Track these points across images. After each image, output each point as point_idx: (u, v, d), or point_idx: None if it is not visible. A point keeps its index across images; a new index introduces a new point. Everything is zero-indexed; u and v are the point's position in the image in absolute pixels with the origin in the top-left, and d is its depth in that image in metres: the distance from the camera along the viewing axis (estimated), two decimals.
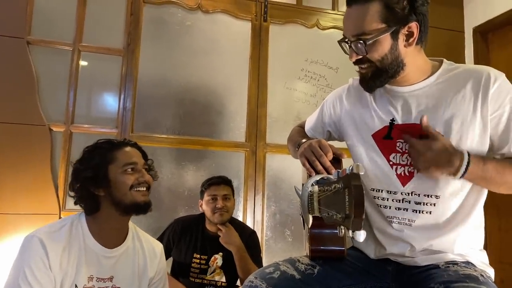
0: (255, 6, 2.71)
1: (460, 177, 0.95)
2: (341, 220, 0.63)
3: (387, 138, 1.08)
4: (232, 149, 2.58)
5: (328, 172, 1.02)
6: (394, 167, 1.06)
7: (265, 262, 2.15)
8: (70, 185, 1.26)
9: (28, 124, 2.27)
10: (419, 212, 1.03)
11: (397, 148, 1.06)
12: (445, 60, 1.09)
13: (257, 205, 2.55)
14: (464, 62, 2.89)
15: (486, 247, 1.09)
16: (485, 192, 1.06)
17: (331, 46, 2.68)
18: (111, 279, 1.25)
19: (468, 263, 1.01)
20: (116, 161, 1.24)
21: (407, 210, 1.04)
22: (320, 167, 1.03)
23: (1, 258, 2.00)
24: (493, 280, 1.01)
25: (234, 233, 1.87)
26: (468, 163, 0.94)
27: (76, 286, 1.18)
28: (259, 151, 2.59)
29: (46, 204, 2.21)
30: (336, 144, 1.14)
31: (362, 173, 0.63)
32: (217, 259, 1.88)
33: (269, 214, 2.59)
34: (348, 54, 1.07)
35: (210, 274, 1.88)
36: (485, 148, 1.02)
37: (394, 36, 1.00)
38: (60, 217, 2.17)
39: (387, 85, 1.10)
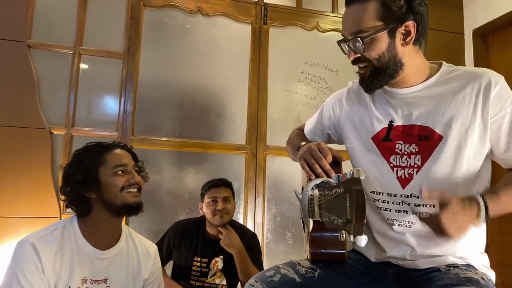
0: (255, 9, 2.71)
1: (484, 221, 0.92)
2: (342, 225, 0.63)
3: (386, 140, 1.08)
4: (233, 151, 2.58)
5: (328, 175, 1.02)
6: (395, 169, 1.06)
7: (265, 265, 2.15)
8: (61, 189, 1.27)
9: (28, 127, 2.27)
10: (419, 214, 1.02)
11: (396, 150, 1.06)
12: (444, 62, 1.10)
13: (258, 207, 2.55)
14: (464, 64, 2.89)
15: (487, 249, 1.09)
16: None
17: (331, 48, 2.69)
18: (105, 280, 1.25)
19: (469, 266, 1.01)
20: (106, 164, 1.25)
21: (407, 213, 1.04)
22: (319, 170, 1.03)
23: (1, 261, 2.01)
24: (494, 283, 1.00)
25: (235, 235, 1.86)
26: (485, 204, 0.91)
27: None
28: (259, 154, 2.59)
29: (46, 207, 2.21)
30: (336, 147, 1.14)
31: (363, 178, 0.63)
32: (218, 262, 1.88)
33: (269, 217, 2.59)
34: (347, 54, 1.07)
35: (211, 277, 1.87)
36: (485, 151, 1.02)
37: (391, 34, 1.00)
38: None
39: (386, 87, 1.11)
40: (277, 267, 1.06)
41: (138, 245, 1.37)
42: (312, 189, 0.85)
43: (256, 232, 2.24)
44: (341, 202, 0.63)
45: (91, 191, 1.23)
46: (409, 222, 1.04)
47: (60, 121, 2.35)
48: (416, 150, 1.04)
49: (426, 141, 1.03)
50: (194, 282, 1.87)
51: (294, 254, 2.55)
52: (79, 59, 2.41)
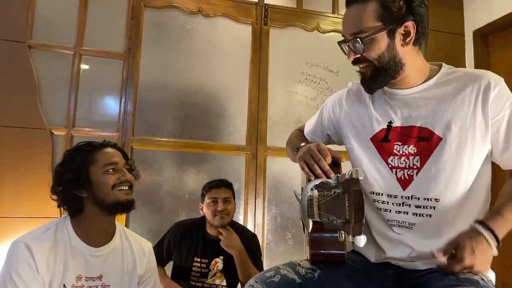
0: (255, 9, 2.72)
1: (498, 242, 0.93)
2: (341, 225, 0.63)
3: (385, 141, 1.08)
4: (233, 152, 2.58)
5: (327, 176, 1.02)
6: (394, 170, 1.06)
7: (266, 266, 2.15)
8: (52, 189, 1.27)
9: (29, 127, 2.27)
10: (420, 216, 1.03)
11: (394, 151, 1.06)
12: (444, 64, 1.10)
13: (258, 208, 2.55)
14: (464, 65, 2.89)
15: None
16: (487, 194, 1.06)
17: (331, 49, 2.69)
18: (100, 277, 1.26)
19: None
20: (96, 162, 1.26)
21: (407, 214, 1.04)
22: (319, 171, 1.03)
23: (1, 261, 2.01)
24: (494, 284, 1.00)
25: (235, 236, 1.86)
26: (486, 226, 0.93)
27: (64, 286, 1.20)
28: (259, 154, 2.59)
29: (46, 207, 2.21)
30: (335, 147, 1.14)
31: (362, 178, 0.63)
32: (218, 263, 1.88)
33: (269, 217, 2.59)
34: (347, 55, 1.08)
35: (211, 277, 1.87)
36: (485, 151, 1.02)
37: (391, 35, 1.01)
38: None
39: (386, 88, 1.11)
40: (277, 268, 1.06)
41: (133, 243, 1.38)
42: (312, 189, 0.85)
43: (256, 233, 2.24)
44: (340, 203, 0.63)
45: (83, 189, 1.24)
46: (409, 223, 1.04)
47: (61, 122, 2.35)
48: (415, 151, 1.04)
49: (425, 142, 1.03)
50: (194, 283, 1.87)
51: (294, 255, 2.55)
52: (80, 59, 2.42)
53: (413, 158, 1.04)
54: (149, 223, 2.40)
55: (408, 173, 1.04)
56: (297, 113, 2.70)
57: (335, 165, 1.07)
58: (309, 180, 1.03)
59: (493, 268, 1.05)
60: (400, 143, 1.06)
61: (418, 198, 1.03)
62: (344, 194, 0.62)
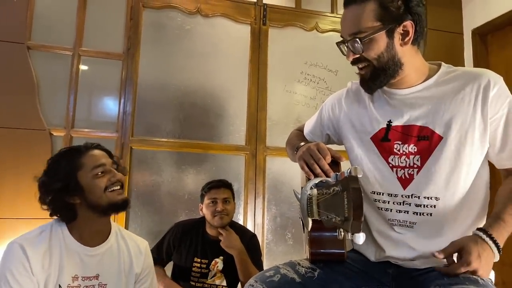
0: (254, 9, 2.72)
1: (499, 251, 0.94)
2: (340, 223, 0.63)
3: (385, 140, 1.08)
4: (232, 152, 2.58)
5: (327, 175, 1.02)
6: (394, 169, 1.06)
7: (266, 265, 2.15)
8: (41, 199, 1.25)
9: (28, 128, 2.27)
10: (420, 215, 1.03)
11: (394, 150, 1.07)
12: (443, 63, 1.10)
13: (258, 208, 2.55)
14: (463, 64, 2.90)
15: None
16: (486, 192, 1.06)
17: (330, 49, 2.68)
18: (97, 277, 1.26)
19: None
20: (84, 167, 1.24)
21: (408, 213, 1.04)
22: (318, 170, 1.03)
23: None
24: (494, 282, 1.00)
25: (235, 236, 1.86)
26: (489, 236, 0.94)
27: (60, 286, 1.20)
28: (259, 154, 2.59)
29: None
30: (335, 147, 1.14)
31: (361, 176, 0.63)
32: (218, 263, 1.88)
33: (269, 217, 2.59)
34: (346, 55, 1.08)
35: (211, 278, 1.87)
36: (484, 150, 1.02)
37: (390, 34, 1.01)
38: None
39: (385, 88, 1.11)
40: (277, 267, 1.06)
41: (129, 242, 1.37)
42: (311, 188, 0.85)
43: (256, 233, 2.24)
44: (339, 200, 0.63)
45: (75, 196, 1.23)
46: (410, 222, 1.04)
47: (60, 123, 2.35)
48: (415, 150, 1.04)
49: (425, 141, 1.03)
50: (194, 283, 1.87)
51: (294, 254, 2.55)
52: (79, 60, 2.41)
53: (414, 157, 1.04)
54: (149, 224, 2.40)
55: (409, 172, 1.04)
56: (296, 113, 2.70)
57: (335, 164, 1.07)
58: (308, 180, 1.03)
59: (493, 266, 1.06)
60: (400, 142, 1.06)
61: (419, 197, 1.03)
62: (343, 192, 0.62)
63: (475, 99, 1.00)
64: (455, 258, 0.95)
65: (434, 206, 1.01)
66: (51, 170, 1.25)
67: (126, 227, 2.32)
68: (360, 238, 0.62)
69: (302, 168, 1.08)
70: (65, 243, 1.23)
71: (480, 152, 1.02)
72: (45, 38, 2.38)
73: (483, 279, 0.93)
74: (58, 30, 2.40)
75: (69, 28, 2.42)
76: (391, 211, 1.07)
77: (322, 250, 1.06)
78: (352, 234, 0.62)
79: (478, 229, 0.96)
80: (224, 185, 1.97)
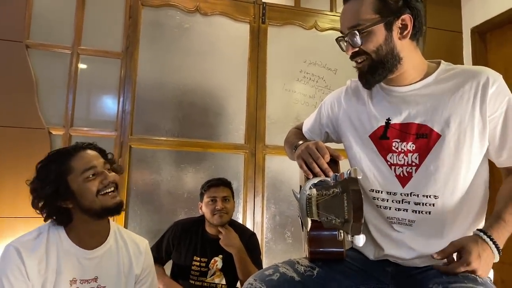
0: (253, 8, 2.71)
1: (499, 252, 0.94)
2: (340, 225, 0.63)
3: (383, 138, 1.08)
4: (231, 151, 2.58)
5: (326, 174, 1.02)
6: (393, 167, 1.06)
7: (265, 264, 2.15)
8: (33, 204, 1.21)
9: (27, 127, 2.27)
10: (419, 213, 1.03)
11: (393, 148, 1.07)
12: (442, 61, 1.10)
13: (257, 206, 2.55)
14: (462, 62, 2.90)
15: None
16: (485, 191, 1.06)
17: (329, 47, 2.69)
18: (95, 279, 1.24)
19: None
20: (74, 171, 1.20)
21: (406, 211, 1.04)
22: (317, 169, 1.03)
23: None
24: (493, 281, 1.01)
25: (234, 235, 1.86)
26: (489, 237, 0.94)
27: None
28: (258, 153, 2.59)
29: None
30: (333, 145, 1.14)
31: (360, 177, 0.63)
32: (217, 262, 1.88)
33: (268, 216, 2.59)
34: (345, 51, 1.08)
35: (210, 276, 1.88)
36: (483, 148, 1.02)
37: (388, 27, 1.02)
38: None
39: (384, 85, 1.11)
40: (276, 266, 1.06)
41: (128, 242, 1.35)
42: (310, 188, 0.85)
43: (255, 231, 2.24)
44: (338, 202, 0.63)
45: (67, 200, 1.19)
46: (409, 220, 1.04)
47: (59, 121, 2.34)
48: (413, 148, 1.04)
49: (424, 139, 1.03)
50: (193, 282, 1.87)
51: (294, 253, 2.55)
52: (78, 59, 2.41)
53: (412, 155, 1.04)
54: (148, 222, 2.40)
55: (407, 170, 1.04)
56: (295, 111, 2.70)
57: (334, 163, 1.07)
58: (307, 179, 1.03)
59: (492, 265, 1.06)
60: (398, 140, 1.06)
61: (417, 195, 1.03)
62: (342, 194, 0.62)
63: (474, 97, 1.00)
64: (454, 257, 0.96)
65: (433, 205, 1.02)
66: (40, 175, 1.21)
67: (126, 226, 2.32)
68: (360, 240, 0.62)
69: (301, 166, 1.08)
70: (62, 246, 1.21)
71: (479, 151, 1.01)
72: (44, 37, 2.37)
73: (481, 278, 0.93)
74: (57, 29, 2.40)
75: (68, 27, 2.41)
76: (390, 209, 1.07)
77: (321, 249, 1.06)
78: (352, 236, 0.62)
79: (479, 229, 0.97)
80: (223, 183, 1.97)
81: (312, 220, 0.88)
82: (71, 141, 2.34)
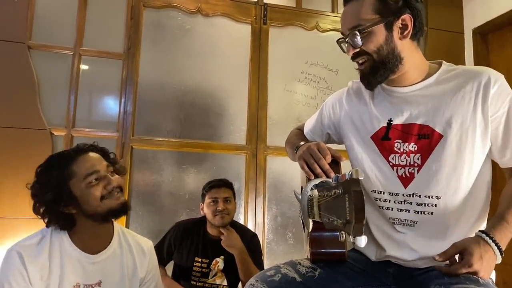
0: (254, 9, 2.72)
1: (501, 254, 0.94)
2: (342, 226, 0.63)
3: (385, 139, 1.08)
4: (233, 151, 2.59)
5: (327, 175, 1.02)
6: (395, 168, 1.06)
7: (266, 265, 2.15)
8: (34, 210, 1.17)
9: (29, 128, 2.27)
10: (421, 213, 1.03)
11: (395, 149, 1.07)
12: (444, 61, 1.10)
13: (258, 207, 2.55)
14: (464, 63, 2.90)
15: None
16: (487, 192, 1.06)
17: (331, 48, 2.69)
18: (99, 284, 1.22)
19: None
20: (76, 175, 1.15)
21: (409, 212, 1.04)
22: (319, 170, 1.03)
23: (1, 261, 2.01)
24: (495, 282, 1.01)
25: (236, 236, 1.86)
26: (492, 238, 0.94)
27: None
28: (259, 154, 2.59)
29: None
30: (335, 147, 1.15)
31: (362, 178, 0.63)
32: (219, 263, 1.88)
33: (270, 217, 2.59)
34: (346, 52, 1.08)
35: (212, 277, 1.88)
36: (486, 149, 1.02)
37: (388, 27, 1.02)
38: None
39: (386, 86, 1.11)
40: (277, 267, 1.06)
41: (132, 244, 1.32)
42: (312, 189, 0.85)
43: (256, 232, 2.24)
44: (340, 203, 0.63)
45: (69, 206, 1.16)
46: (411, 221, 1.04)
47: (61, 122, 2.35)
48: (415, 148, 1.04)
49: (425, 139, 1.03)
50: (195, 283, 1.87)
51: (295, 254, 2.55)
52: (79, 60, 2.42)
53: (414, 156, 1.04)
54: (149, 223, 2.40)
55: (409, 171, 1.04)
56: (296, 112, 2.70)
57: (335, 164, 1.07)
58: (308, 179, 1.03)
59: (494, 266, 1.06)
60: (400, 141, 1.06)
61: (419, 196, 1.03)
62: (344, 195, 0.62)
63: (476, 97, 0.99)
64: (457, 258, 0.95)
65: (435, 205, 1.01)
66: (41, 180, 1.16)
67: (127, 227, 2.33)
68: (362, 241, 0.61)
69: (302, 167, 1.09)
70: (66, 250, 1.18)
71: (481, 151, 1.01)
72: (46, 38, 2.38)
73: (483, 279, 0.93)
74: (59, 30, 2.40)
75: (69, 28, 2.42)
76: (392, 210, 1.07)
77: (322, 250, 1.06)
78: (354, 237, 0.62)
79: (481, 230, 0.96)
80: (225, 184, 1.97)
81: (313, 221, 0.88)
82: (73, 142, 2.35)
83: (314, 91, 2.75)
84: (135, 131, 2.44)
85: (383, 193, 1.08)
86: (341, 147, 1.24)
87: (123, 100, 2.44)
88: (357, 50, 1.04)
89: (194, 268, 1.88)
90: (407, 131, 1.05)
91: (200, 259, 1.89)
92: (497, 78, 1.00)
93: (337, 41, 1.11)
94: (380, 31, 1.01)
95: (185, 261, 1.90)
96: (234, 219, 1.98)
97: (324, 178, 0.99)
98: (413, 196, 1.03)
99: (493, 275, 1.02)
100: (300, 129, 1.43)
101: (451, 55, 2.89)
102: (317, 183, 0.93)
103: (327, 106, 1.29)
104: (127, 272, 1.28)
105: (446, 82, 1.05)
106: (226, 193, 1.94)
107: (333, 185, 0.72)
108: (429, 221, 1.02)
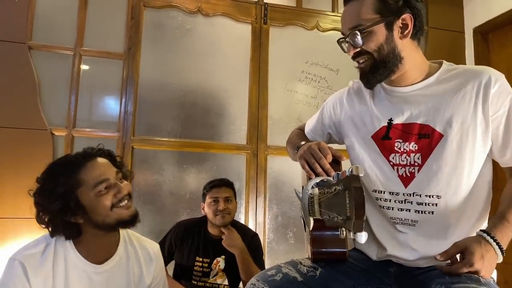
0: (255, 8, 2.72)
1: (502, 253, 0.94)
2: (342, 222, 0.63)
3: (386, 138, 1.08)
4: (233, 151, 2.59)
5: (328, 175, 1.02)
6: (395, 167, 1.06)
7: (267, 264, 2.15)
8: (38, 219, 1.12)
9: (30, 128, 2.28)
10: (422, 213, 1.03)
11: (395, 148, 1.07)
12: (444, 61, 1.10)
13: (259, 207, 2.55)
14: (464, 63, 2.89)
15: None
16: (488, 191, 1.06)
17: (331, 48, 2.68)
18: None
19: None
20: (84, 184, 1.10)
21: (409, 211, 1.04)
22: (319, 169, 1.04)
23: (2, 262, 2.01)
24: (496, 281, 1.00)
25: (237, 235, 1.86)
26: (493, 238, 0.94)
27: None
28: (260, 153, 2.59)
29: None
30: (335, 146, 1.15)
31: (362, 175, 0.64)
32: (220, 262, 1.88)
33: (270, 216, 2.59)
34: (346, 52, 1.08)
35: (213, 277, 1.87)
36: (486, 148, 1.02)
37: (389, 27, 1.02)
38: None
39: (386, 86, 1.11)
40: (278, 266, 1.06)
41: (139, 249, 1.28)
42: (312, 187, 0.85)
43: (257, 232, 2.24)
44: (340, 200, 0.63)
45: (76, 216, 1.10)
46: (412, 220, 1.04)
47: (61, 122, 2.35)
48: (416, 148, 1.04)
49: (426, 139, 1.03)
50: (196, 282, 1.87)
51: (296, 253, 2.55)
52: (80, 60, 2.42)
53: (414, 155, 1.04)
54: (150, 223, 2.40)
55: (410, 170, 1.04)
56: (297, 112, 2.71)
57: (336, 163, 1.07)
58: (309, 179, 1.03)
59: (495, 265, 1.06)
60: (401, 140, 1.06)
61: (420, 195, 1.03)
62: (345, 191, 0.62)
63: (476, 96, 1.00)
64: (458, 258, 0.95)
65: (436, 205, 1.01)
66: (46, 187, 1.10)
67: None
68: (362, 237, 0.62)
69: (303, 167, 1.09)
70: (71, 260, 1.13)
71: (482, 150, 1.01)
72: (46, 38, 2.38)
73: (484, 278, 0.93)
74: (59, 30, 2.41)
75: (70, 28, 2.42)
76: (392, 209, 1.07)
77: (323, 249, 1.06)
78: (354, 233, 0.62)
79: (482, 230, 0.96)
80: (225, 184, 1.97)
81: (314, 220, 0.88)
82: (74, 142, 2.35)
83: (314, 90, 2.75)
84: (136, 131, 2.44)
85: (384, 193, 1.08)
86: (342, 146, 1.24)
87: (123, 100, 2.44)
88: (358, 49, 1.05)
89: (195, 268, 1.88)
90: (407, 131, 1.05)
91: (201, 259, 1.89)
92: (498, 78, 1.00)
93: (338, 41, 1.11)
94: (380, 31, 1.02)
95: (186, 261, 1.90)
96: (235, 218, 1.98)
97: (324, 177, 0.99)
98: (413, 195, 1.03)
99: (494, 275, 1.02)
100: (301, 129, 1.43)
101: (452, 54, 2.89)
102: (317, 181, 0.94)
103: (328, 106, 1.29)
104: (133, 279, 1.23)
105: (446, 81, 1.05)
106: (227, 192, 1.94)
107: (333, 182, 0.72)
108: (430, 220, 1.02)
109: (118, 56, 2.48)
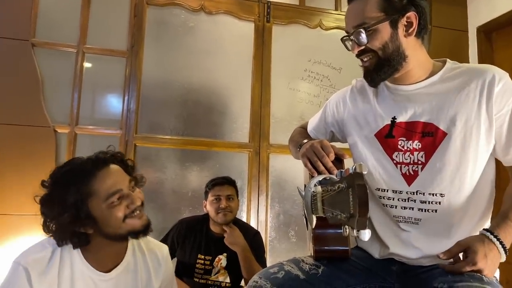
0: (258, 7, 2.71)
1: (506, 252, 0.94)
2: (345, 220, 0.63)
3: (389, 137, 1.08)
4: (236, 149, 2.59)
5: (330, 173, 1.02)
6: (399, 166, 1.06)
7: (269, 263, 2.15)
8: (45, 228, 1.07)
9: (33, 125, 2.28)
10: (425, 211, 1.03)
11: (399, 147, 1.06)
12: (448, 60, 1.10)
13: (261, 205, 2.55)
14: (468, 62, 2.88)
15: None
16: (491, 190, 1.06)
17: (334, 46, 2.69)
18: None
19: None
20: (96, 194, 1.04)
21: (413, 209, 1.04)
22: (322, 167, 1.03)
23: (5, 258, 2.02)
24: (498, 280, 1.00)
25: (239, 233, 1.87)
26: (496, 237, 0.94)
27: None
28: (262, 152, 2.59)
29: None
30: (338, 145, 1.14)
31: (365, 172, 0.63)
32: (221, 260, 1.89)
33: (272, 215, 2.60)
34: (350, 51, 1.08)
35: (215, 274, 1.88)
36: (490, 147, 1.02)
37: (393, 25, 1.02)
38: None
39: (390, 84, 1.11)
40: (281, 264, 1.06)
41: (147, 253, 1.24)
42: (315, 185, 0.85)
43: (259, 230, 2.24)
44: (344, 197, 0.63)
45: (86, 226, 1.06)
46: (415, 218, 1.04)
47: (64, 120, 2.36)
48: (419, 146, 1.04)
49: (429, 137, 1.03)
50: (197, 280, 1.87)
51: (298, 252, 2.55)
52: (83, 57, 2.42)
53: (418, 154, 1.04)
54: (152, 221, 2.34)
55: (413, 169, 1.04)
56: (300, 110, 2.70)
57: (338, 161, 1.07)
58: (312, 177, 1.03)
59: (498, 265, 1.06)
60: (404, 139, 1.06)
61: (423, 194, 1.03)
62: (348, 189, 0.62)
63: (480, 95, 0.99)
64: (461, 256, 0.95)
65: (439, 203, 1.01)
66: (55, 197, 1.05)
67: None
68: (366, 234, 0.62)
69: (306, 165, 1.09)
70: (77, 267, 1.09)
71: (485, 149, 1.01)
72: (50, 36, 2.38)
73: (487, 277, 0.93)
74: (63, 28, 2.41)
75: (73, 26, 2.42)
76: (396, 207, 1.07)
77: (326, 247, 1.06)
78: (358, 231, 0.62)
79: (485, 229, 0.96)
80: (228, 182, 1.98)
81: (317, 218, 0.88)
82: (76, 139, 2.36)
83: (317, 89, 2.75)
84: (139, 129, 2.45)
85: (387, 191, 1.08)
86: (345, 145, 1.24)
87: (126, 98, 2.45)
88: (362, 47, 1.04)
89: (197, 265, 1.89)
90: (411, 129, 1.05)
91: (203, 256, 1.89)
92: (502, 76, 1.00)
93: (342, 39, 1.10)
94: (385, 29, 1.01)
95: (188, 258, 1.90)
96: (237, 216, 1.99)
97: (327, 175, 0.99)
98: (416, 194, 1.03)
99: (497, 274, 1.02)
100: (303, 128, 1.43)
101: (455, 53, 2.88)
102: (320, 179, 0.94)
103: (331, 104, 1.29)
104: (140, 284, 1.19)
105: (450, 80, 1.04)
106: (229, 190, 1.94)
107: (337, 180, 0.72)
108: (433, 219, 1.02)
109: (121, 54, 2.48)
